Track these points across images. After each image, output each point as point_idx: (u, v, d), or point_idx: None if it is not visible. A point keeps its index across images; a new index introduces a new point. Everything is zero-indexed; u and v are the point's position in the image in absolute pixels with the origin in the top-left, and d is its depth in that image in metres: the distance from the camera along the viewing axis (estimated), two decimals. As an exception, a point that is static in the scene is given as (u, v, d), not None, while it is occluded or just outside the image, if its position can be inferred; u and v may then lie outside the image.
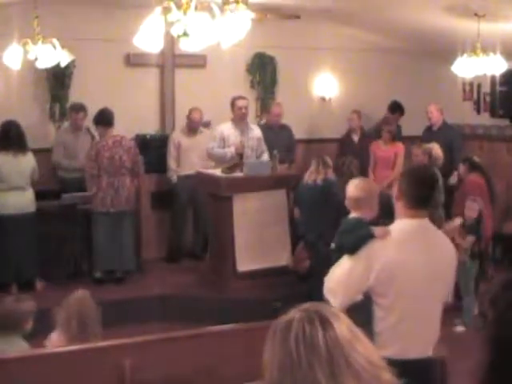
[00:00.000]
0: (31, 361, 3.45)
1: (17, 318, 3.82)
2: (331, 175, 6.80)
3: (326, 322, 1.58)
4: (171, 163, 8.31)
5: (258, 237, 7.10)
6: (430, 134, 8.61)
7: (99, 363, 3.48)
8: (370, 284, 3.16)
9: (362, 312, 3.22)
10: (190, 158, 8.20)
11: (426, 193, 3.27)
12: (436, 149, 7.25)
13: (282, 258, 7.20)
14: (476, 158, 7.46)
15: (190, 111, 8.31)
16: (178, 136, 8.36)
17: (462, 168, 7.26)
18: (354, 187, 4.10)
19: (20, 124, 7.14)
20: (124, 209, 7.36)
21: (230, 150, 7.54)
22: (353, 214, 4.01)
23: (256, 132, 7.81)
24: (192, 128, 8.31)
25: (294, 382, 1.55)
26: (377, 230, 3.22)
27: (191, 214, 8.55)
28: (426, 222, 3.29)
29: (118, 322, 5.92)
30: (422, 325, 3.22)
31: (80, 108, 7.90)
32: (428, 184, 3.30)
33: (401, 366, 3.15)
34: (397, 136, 8.68)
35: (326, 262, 6.59)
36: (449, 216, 6.91)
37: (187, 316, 6.32)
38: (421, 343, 3.25)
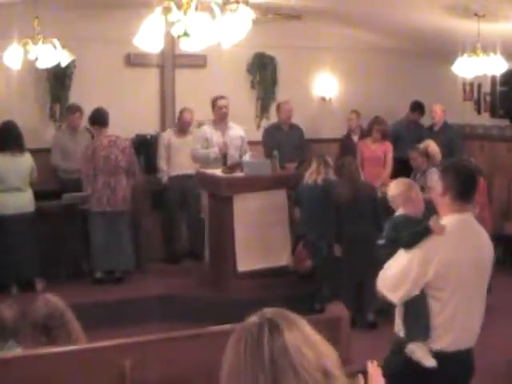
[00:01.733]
0: (31, 361, 3.45)
1: (7, 326, 3.73)
2: (332, 175, 6.80)
3: (274, 329, 1.55)
4: (161, 164, 8.24)
5: (258, 237, 7.09)
6: (430, 133, 8.61)
7: (99, 363, 3.47)
8: (428, 278, 3.23)
9: (415, 306, 3.30)
10: (181, 159, 8.13)
11: (471, 186, 3.38)
12: (432, 146, 7.20)
13: (282, 257, 7.20)
14: (473, 160, 7.41)
15: (181, 111, 8.28)
16: (168, 136, 8.29)
17: None
18: (393, 187, 4.22)
19: (17, 124, 7.13)
20: (120, 208, 7.35)
21: (214, 151, 7.54)
22: (399, 211, 4.04)
23: (237, 131, 7.79)
24: (183, 128, 8.27)
25: None
26: (434, 226, 3.26)
27: (185, 214, 8.50)
28: (470, 217, 3.39)
29: (118, 322, 5.92)
30: (472, 317, 3.34)
31: (76, 109, 7.91)
32: (472, 177, 3.41)
33: (454, 357, 3.25)
34: (418, 135, 8.64)
35: (327, 262, 6.68)
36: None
37: (187, 316, 6.31)
38: (471, 334, 3.37)
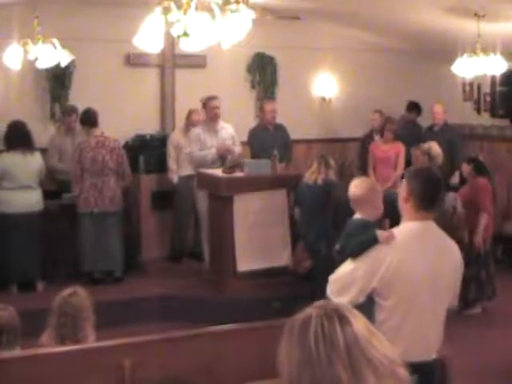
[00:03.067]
0: (31, 361, 3.45)
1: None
2: (332, 176, 6.80)
3: (343, 319, 1.60)
4: (171, 164, 8.31)
5: (258, 237, 7.10)
6: (430, 133, 8.61)
7: (99, 363, 3.47)
8: (373, 286, 3.16)
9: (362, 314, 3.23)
10: None
11: (436, 194, 3.26)
12: (435, 147, 7.21)
13: (282, 258, 7.20)
14: (481, 158, 7.39)
15: (190, 112, 8.31)
16: (177, 137, 8.35)
17: (465, 168, 7.11)
18: (354, 187, 4.08)
19: (26, 123, 7.16)
20: (108, 210, 7.34)
21: (211, 152, 7.54)
22: (357, 215, 3.97)
23: (229, 130, 7.81)
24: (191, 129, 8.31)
25: (313, 379, 1.55)
26: (381, 235, 3.19)
27: (193, 214, 8.53)
28: (432, 225, 3.26)
29: (118, 322, 5.91)
30: (424, 328, 3.20)
31: (71, 110, 7.92)
32: (437, 185, 3.29)
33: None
34: (415, 136, 8.67)
35: (327, 263, 6.67)
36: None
37: (187, 316, 6.31)
38: (423, 347, 3.23)
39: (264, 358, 3.15)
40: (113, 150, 7.36)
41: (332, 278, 3.37)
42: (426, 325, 3.21)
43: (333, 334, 1.57)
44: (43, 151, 7.91)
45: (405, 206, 3.25)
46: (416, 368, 3.08)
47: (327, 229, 6.63)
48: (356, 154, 9.26)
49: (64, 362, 3.45)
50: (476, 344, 5.86)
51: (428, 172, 3.43)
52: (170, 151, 8.31)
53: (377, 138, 8.84)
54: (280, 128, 8.68)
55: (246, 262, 7.04)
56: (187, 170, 8.14)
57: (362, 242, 3.25)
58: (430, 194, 3.22)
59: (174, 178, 8.31)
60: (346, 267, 3.29)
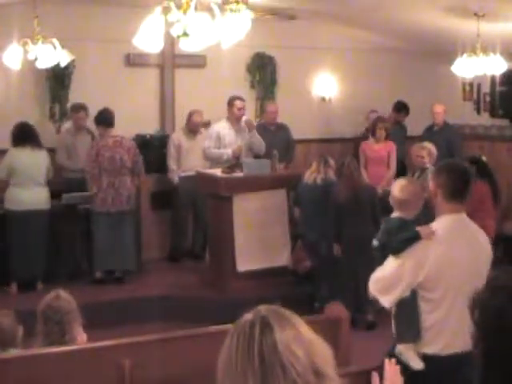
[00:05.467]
0: (31, 361, 3.45)
1: (7, 333, 3.75)
2: (332, 175, 6.79)
3: (266, 327, 1.55)
4: (172, 164, 8.32)
5: (258, 237, 7.10)
6: (430, 133, 8.60)
7: (99, 363, 3.47)
8: (419, 281, 3.25)
9: (406, 307, 3.28)
10: (191, 159, 8.20)
11: (463, 184, 3.34)
12: (431, 147, 7.22)
13: (282, 258, 7.20)
14: (484, 159, 7.35)
15: (191, 113, 8.31)
16: (178, 137, 8.36)
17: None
18: (399, 189, 4.01)
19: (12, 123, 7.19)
20: (124, 209, 7.36)
21: (227, 152, 7.57)
22: (395, 214, 4.00)
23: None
24: (192, 130, 8.33)
25: None
26: (422, 231, 3.26)
27: (192, 214, 8.55)
28: (464, 217, 3.37)
29: (117, 322, 5.92)
30: (467, 318, 3.26)
31: (80, 107, 7.91)
32: (463, 176, 3.37)
33: (448, 361, 3.18)
34: (402, 136, 8.67)
35: (327, 263, 6.67)
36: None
37: (187, 316, 6.31)
38: (465, 337, 3.28)
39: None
40: (129, 150, 7.38)
41: (375, 276, 3.43)
42: (468, 315, 3.26)
43: (250, 341, 1.53)
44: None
45: (436, 202, 3.35)
46: (459, 358, 3.20)
47: (327, 228, 6.63)
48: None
49: (64, 362, 3.45)
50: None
51: (453, 165, 3.52)
52: (171, 151, 8.32)
53: (370, 137, 8.85)
54: (282, 128, 8.68)
55: (246, 262, 7.04)
56: (188, 171, 8.15)
57: (405, 239, 3.33)
58: (456, 185, 3.30)
59: (175, 178, 8.31)
60: (390, 265, 3.36)
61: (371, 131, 8.40)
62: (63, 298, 3.73)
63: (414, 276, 3.24)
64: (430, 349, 3.25)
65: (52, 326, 3.62)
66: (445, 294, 3.24)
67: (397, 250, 3.34)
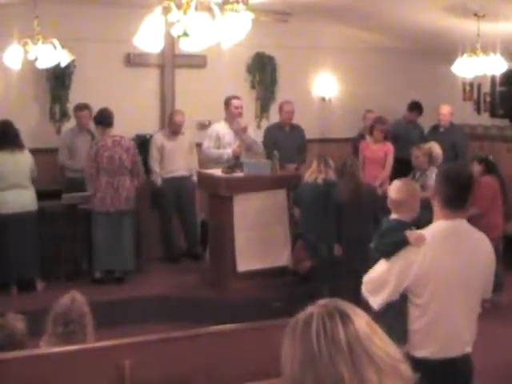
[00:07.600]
0: (31, 361, 3.45)
1: (18, 337, 3.78)
2: (332, 175, 6.80)
3: (345, 317, 1.59)
4: (154, 166, 8.20)
5: (258, 237, 7.10)
6: (435, 134, 8.60)
7: (99, 363, 3.47)
8: (406, 285, 3.22)
9: (390, 311, 3.29)
10: (174, 160, 8.17)
11: (460, 193, 3.24)
12: (436, 148, 7.21)
13: (282, 258, 7.21)
14: (492, 159, 7.35)
15: (173, 114, 8.27)
16: (160, 139, 8.26)
17: (476, 167, 7.04)
18: (395, 190, 4.06)
19: (13, 123, 7.08)
20: (123, 208, 7.36)
21: (227, 152, 7.58)
22: (393, 216, 3.99)
23: (250, 130, 7.84)
24: (174, 130, 8.23)
25: (316, 377, 1.55)
26: (411, 236, 3.22)
27: (178, 216, 8.48)
28: (461, 223, 3.28)
29: (118, 322, 5.92)
30: (459, 324, 3.26)
31: (84, 106, 7.91)
32: (461, 185, 3.27)
33: (440, 365, 3.17)
34: (417, 135, 8.66)
35: (327, 262, 6.67)
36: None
37: (187, 316, 6.31)
38: (458, 342, 3.29)
39: (264, 358, 3.15)
40: (128, 150, 7.37)
41: (366, 277, 3.42)
42: (461, 320, 3.26)
43: (334, 332, 1.56)
44: (43, 151, 7.93)
45: (433, 204, 3.31)
46: (453, 362, 3.20)
47: (327, 229, 6.63)
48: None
49: (64, 361, 3.45)
50: (481, 345, 5.83)
51: (451, 171, 3.42)
52: (153, 153, 8.20)
53: (368, 137, 8.87)
54: (297, 129, 8.66)
55: (246, 262, 7.04)
56: (172, 172, 8.15)
57: (393, 244, 3.30)
58: (451, 192, 3.22)
59: (158, 180, 8.21)
60: (380, 267, 3.34)
61: (369, 131, 8.42)
62: (80, 300, 3.83)
63: (400, 280, 3.20)
64: (420, 352, 3.22)
65: (74, 326, 3.70)
66: (432, 299, 3.19)
67: (385, 254, 3.31)
